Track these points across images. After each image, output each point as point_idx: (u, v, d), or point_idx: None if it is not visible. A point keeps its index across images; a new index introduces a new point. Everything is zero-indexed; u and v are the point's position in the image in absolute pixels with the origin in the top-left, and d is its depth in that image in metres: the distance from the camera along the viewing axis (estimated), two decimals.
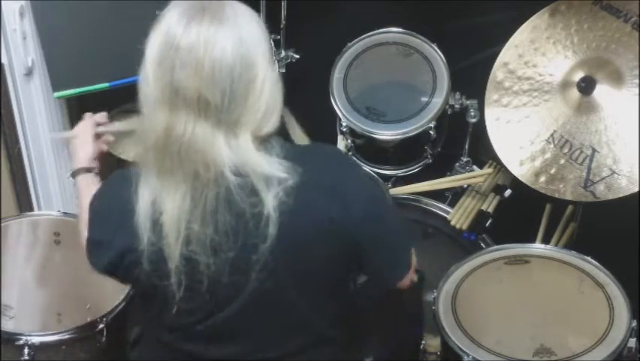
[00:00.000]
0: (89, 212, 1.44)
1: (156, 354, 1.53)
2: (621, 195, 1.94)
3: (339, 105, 2.36)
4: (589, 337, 1.83)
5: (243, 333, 1.41)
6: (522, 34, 2.11)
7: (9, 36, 2.23)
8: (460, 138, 2.43)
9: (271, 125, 1.33)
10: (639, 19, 2.00)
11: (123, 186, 1.34)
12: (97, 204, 1.44)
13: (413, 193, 2.37)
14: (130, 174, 1.34)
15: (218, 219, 1.28)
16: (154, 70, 1.27)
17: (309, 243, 1.34)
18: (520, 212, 2.40)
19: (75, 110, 2.52)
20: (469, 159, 2.47)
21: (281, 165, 1.29)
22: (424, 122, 2.30)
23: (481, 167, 2.48)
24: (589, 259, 1.82)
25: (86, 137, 1.75)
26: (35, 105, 2.37)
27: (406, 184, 2.41)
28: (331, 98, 2.36)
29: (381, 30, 2.39)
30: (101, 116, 1.84)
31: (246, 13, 1.31)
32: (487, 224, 2.30)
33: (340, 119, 2.36)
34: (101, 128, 1.80)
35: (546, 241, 2.32)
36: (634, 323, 1.80)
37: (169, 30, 1.27)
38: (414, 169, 2.44)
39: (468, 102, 2.35)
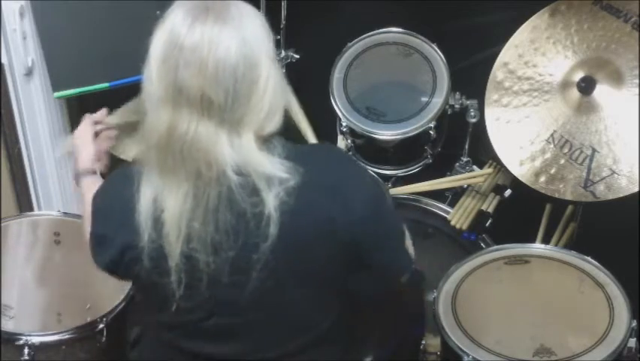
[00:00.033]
0: (92, 209, 1.45)
1: (156, 354, 1.53)
2: (621, 195, 1.94)
3: (339, 105, 2.36)
4: (589, 337, 1.83)
5: (243, 332, 1.41)
6: (522, 34, 2.11)
7: (9, 36, 2.23)
8: (460, 138, 2.43)
9: (274, 124, 1.33)
10: (639, 19, 2.00)
11: (125, 184, 1.34)
12: (99, 202, 1.44)
13: (413, 193, 2.37)
14: (132, 171, 1.35)
15: (219, 218, 1.29)
16: (158, 69, 1.28)
17: (309, 243, 1.34)
18: (520, 212, 2.40)
19: (75, 110, 2.52)
20: (469, 159, 2.47)
21: (282, 165, 1.30)
22: (424, 122, 2.30)
23: (481, 167, 2.48)
24: (589, 259, 1.82)
25: (86, 138, 1.75)
26: (35, 105, 2.37)
27: (406, 184, 2.41)
28: (331, 98, 2.36)
29: (381, 30, 2.39)
30: (101, 113, 1.84)
31: (251, 13, 1.32)
32: (487, 224, 2.30)
33: (340, 119, 2.36)
34: (99, 126, 1.79)
35: (546, 241, 2.32)
36: (634, 323, 1.80)
37: (173, 29, 1.27)
38: (414, 169, 2.44)
39: (468, 102, 2.35)
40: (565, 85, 2.06)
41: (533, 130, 2.07)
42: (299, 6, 2.43)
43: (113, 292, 1.97)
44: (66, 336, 1.89)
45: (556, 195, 2.02)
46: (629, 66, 1.99)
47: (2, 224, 2.07)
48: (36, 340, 1.86)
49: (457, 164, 2.48)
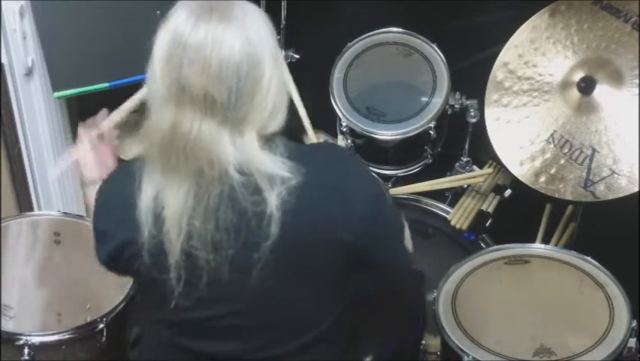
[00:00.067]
0: (94, 204, 1.45)
1: (156, 353, 1.53)
2: (621, 195, 1.94)
3: (339, 105, 2.36)
4: (589, 337, 1.83)
5: (243, 331, 1.42)
6: (522, 34, 2.11)
7: (9, 36, 2.23)
8: (460, 138, 2.43)
9: (276, 123, 1.34)
10: (639, 19, 2.00)
11: (126, 180, 1.35)
12: (100, 197, 1.45)
13: (413, 193, 2.37)
14: (133, 167, 1.35)
15: (220, 216, 1.29)
16: (161, 67, 1.28)
17: (310, 242, 1.34)
18: (520, 212, 2.40)
19: (75, 110, 2.52)
20: (469, 159, 2.47)
21: (284, 165, 1.30)
22: (424, 122, 2.30)
23: (481, 167, 2.48)
24: (589, 259, 1.82)
25: (85, 147, 1.74)
26: (35, 105, 2.37)
27: (406, 184, 2.41)
28: (331, 98, 2.36)
29: (381, 30, 2.39)
30: (101, 115, 1.83)
31: (255, 12, 1.32)
32: (487, 224, 2.30)
33: (340, 119, 2.36)
34: (102, 127, 1.79)
35: (546, 241, 2.32)
36: (634, 323, 1.80)
37: (177, 28, 1.27)
38: (414, 169, 2.44)
39: (468, 102, 2.35)
40: (565, 85, 2.06)
41: (533, 130, 2.07)
42: (299, 6, 2.43)
43: (113, 292, 1.97)
44: (66, 336, 1.89)
45: (557, 195, 2.02)
46: (629, 66, 1.99)
47: (2, 224, 2.07)
48: (36, 340, 1.86)
49: (457, 164, 2.48)
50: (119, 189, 1.40)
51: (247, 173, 1.28)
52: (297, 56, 2.47)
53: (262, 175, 1.28)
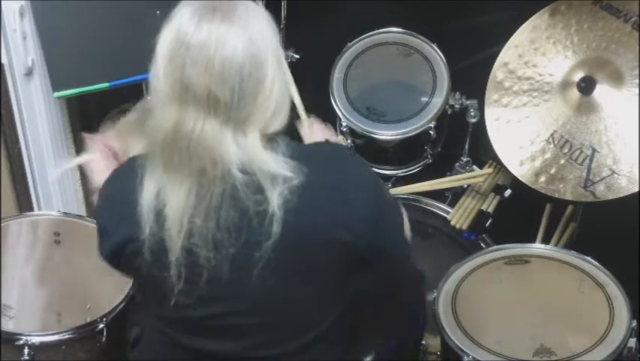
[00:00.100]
0: (98, 199, 1.46)
1: (157, 353, 1.53)
2: (621, 195, 1.94)
3: (339, 105, 2.36)
4: (589, 337, 1.83)
5: (243, 330, 1.42)
6: (522, 34, 2.11)
7: (9, 36, 2.23)
8: (460, 138, 2.43)
9: (279, 123, 1.34)
10: (639, 19, 2.00)
11: (129, 177, 1.35)
12: (103, 193, 1.46)
13: (413, 193, 2.37)
14: (136, 165, 1.35)
15: (221, 215, 1.29)
16: (164, 66, 1.28)
17: (312, 242, 1.34)
18: (520, 212, 2.40)
19: (75, 110, 2.52)
20: (469, 159, 2.47)
21: (287, 164, 1.30)
22: (424, 122, 2.30)
23: (481, 167, 2.48)
24: (589, 259, 1.82)
25: (96, 155, 1.74)
26: (35, 105, 2.37)
27: (406, 184, 2.41)
28: (331, 98, 2.37)
29: (381, 30, 2.39)
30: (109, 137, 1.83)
31: (258, 12, 1.33)
32: (487, 224, 2.30)
33: (340, 119, 2.36)
34: (108, 143, 1.78)
35: (546, 241, 2.32)
36: (634, 323, 1.80)
37: (180, 28, 1.28)
38: (414, 169, 2.44)
39: (468, 102, 2.35)
40: (565, 85, 2.06)
41: (533, 130, 2.07)
42: (299, 6, 2.43)
43: (113, 292, 1.97)
44: (66, 336, 1.89)
45: (557, 195, 2.02)
46: (629, 66, 1.99)
47: (2, 224, 2.07)
48: (36, 340, 1.86)
49: (457, 164, 2.48)
50: (121, 185, 1.40)
51: (250, 172, 1.28)
52: (297, 56, 2.47)
53: (265, 174, 1.28)
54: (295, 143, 1.39)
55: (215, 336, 1.43)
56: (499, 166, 2.41)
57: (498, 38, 2.17)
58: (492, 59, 2.14)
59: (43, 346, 1.87)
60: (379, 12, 2.56)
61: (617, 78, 2.01)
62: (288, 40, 2.46)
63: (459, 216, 2.32)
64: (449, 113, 2.37)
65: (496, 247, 1.94)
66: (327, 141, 1.60)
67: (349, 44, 2.39)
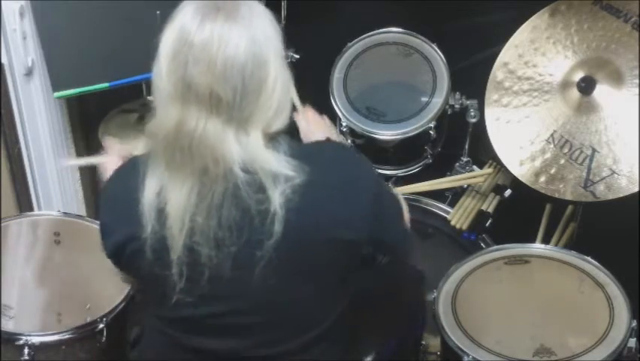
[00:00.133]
0: (101, 197, 1.46)
1: (157, 353, 1.53)
2: (621, 195, 1.94)
3: (339, 105, 2.36)
4: (589, 337, 1.83)
5: (244, 329, 1.42)
6: (522, 34, 2.11)
7: (9, 36, 2.23)
8: (460, 138, 2.43)
9: (281, 122, 1.35)
10: (639, 19, 2.00)
11: (131, 175, 1.35)
12: (106, 191, 1.46)
13: (413, 193, 2.37)
14: (138, 162, 1.35)
15: (223, 214, 1.29)
16: (167, 65, 1.28)
17: (313, 241, 1.35)
18: (520, 212, 2.40)
19: (75, 110, 2.52)
20: (469, 159, 2.47)
21: (288, 163, 1.31)
22: (424, 122, 2.30)
23: (481, 167, 2.48)
24: (589, 259, 1.82)
25: (113, 158, 1.74)
26: (35, 105, 2.37)
27: (406, 184, 2.41)
28: (331, 98, 2.37)
29: (381, 30, 2.39)
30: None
31: (261, 12, 1.33)
32: (487, 224, 2.30)
33: (340, 119, 2.36)
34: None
35: (546, 241, 2.32)
36: (634, 323, 1.80)
37: (183, 26, 1.28)
38: (414, 169, 2.44)
39: (468, 102, 2.35)
40: (565, 85, 2.06)
41: (533, 130, 2.07)
42: (299, 6, 2.43)
43: (113, 292, 1.97)
44: (66, 336, 1.89)
45: (557, 195, 2.02)
46: (629, 66, 1.99)
47: (2, 224, 2.07)
48: (36, 340, 1.86)
49: (457, 164, 2.48)
50: (123, 184, 1.40)
51: (252, 171, 1.29)
52: (297, 56, 2.47)
53: (267, 173, 1.29)
54: (296, 142, 1.39)
55: (216, 335, 1.43)
56: (499, 166, 2.41)
57: (498, 38, 2.17)
58: (492, 59, 2.14)
59: (43, 346, 1.87)
60: (379, 12, 2.56)
61: (617, 78, 2.01)
62: (288, 41, 2.45)
63: (459, 216, 2.32)
64: (449, 113, 2.37)
65: (496, 247, 1.94)
66: (328, 139, 1.60)
67: (349, 44, 2.39)
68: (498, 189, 2.40)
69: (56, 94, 2.23)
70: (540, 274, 1.89)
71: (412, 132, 2.30)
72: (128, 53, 2.18)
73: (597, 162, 1.98)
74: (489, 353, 1.86)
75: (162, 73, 1.29)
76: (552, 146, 2.04)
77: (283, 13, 2.41)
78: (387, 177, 2.43)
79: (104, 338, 1.91)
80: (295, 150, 1.34)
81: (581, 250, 1.85)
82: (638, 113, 1.96)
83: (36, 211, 2.44)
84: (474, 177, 2.42)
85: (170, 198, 1.30)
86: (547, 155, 2.04)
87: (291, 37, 2.46)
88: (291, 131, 1.40)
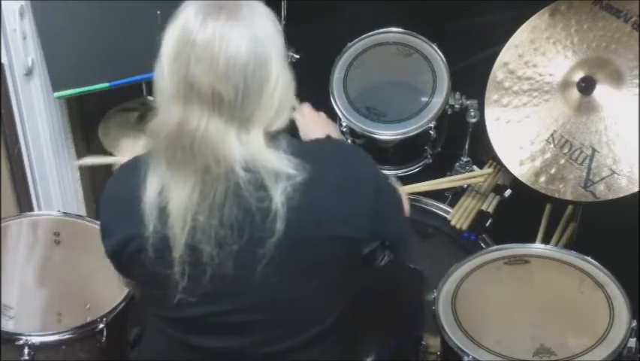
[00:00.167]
0: (101, 196, 1.46)
1: (157, 352, 1.53)
2: (621, 195, 1.94)
3: (339, 105, 2.36)
4: (589, 337, 1.83)
5: (247, 327, 1.42)
6: (522, 34, 2.11)
7: (9, 36, 2.23)
8: (460, 138, 2.43)
9: (282, 121, 1.35)
10: (639, 19, 2.00)
11: (133, 174, 1.35)
12: (108, 190, 1.46)
13: (413, 193, 2.37)
14: (140, 162, 1.35)
15: (224, 212, 1.30)
16: (169, 64, 1.29)
17: (314, 239, 1.35)
18: (520, 212, 2.40)
19: (75, 110, 2.52)
20: (469, 159, 2.47)
21: (290, 162, 1.31)
22: (424, 122, 2.30)
23: (481, 167, 2.48)
24: (589, 259, 1.82)
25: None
26: (35, 105, 2.37)
27: (406, 184, 2.41)
28: (331, 98, 2.37)
29: (381, 30, 2.39)
30: None
31: (263, 12, 1.33)
32: (487, 224, 2.30)
33: (340, 119, 2.36)
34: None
35: (546, 241, 2.32)
36: (634, 323, 1.80)
37: (185, 25, 1.28)
38: (414, 169, 2.44)
39: (468, 102, 2.35)
40: (565, 85, 2.06)
41: (533, 130, 2.07)
42: (299, 6, 2.43)
43: (113, 292, 1.97)
44: (66, 336, 1.88)
45: (557, 195, 2.02)
46: (629, 66, 2.00)
47: (2, 224, 2.07)
48: (36, 340, 1.86)
49: (457, 164, 2.48)
50: (125, 183, 1.40)
51: (253, 170, 1.29)
52: (297, 56, 2.47)
53: (268, 172, 1.29)
54: (297, 140, 1.39)
55: (218, 334, 1.43)
56: (499, 166, 2.41)
57: (498, 38, 2.17)
58: (492, 59, 2.14)
59: (43, 346, 1.87)
60: (379, 12, 2.56)
61: (617, 78, 2.01)
62: (288, 41, 2.44)
63: (459, 216, 2.32)
64: (449, 113, 2.37)
65: (496, 247, 1.94)
66: (328, 137, 1.60)
67: (349, 44, 2.39)
68: (498, 189, 2.40)
69: (56, 94, 2.23)
70: (540, 274, 1.89)
71: (412, 132, 2.30)
72: (128, 52, 2.18)
73: (597, 162, 1.98)
74: (489, 353, 1.86)
75: (164, 72, 1.29)
76: (552, 146, 2.04)
77: (283, 13, 2.41)
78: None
79: (104, 338, 1.91)
80: (296, 149, 1.34)
81: (581, 250, 1.85)
82: (638, 113, 1.96)
83: (36, 211, 2.43)
84: (474, 177, 2.42)
85: (171, 197, 1.30)
86: (547, 155, 2.04)
87: (291, 37, 2.46)
88: (292, 130, 1.40)
